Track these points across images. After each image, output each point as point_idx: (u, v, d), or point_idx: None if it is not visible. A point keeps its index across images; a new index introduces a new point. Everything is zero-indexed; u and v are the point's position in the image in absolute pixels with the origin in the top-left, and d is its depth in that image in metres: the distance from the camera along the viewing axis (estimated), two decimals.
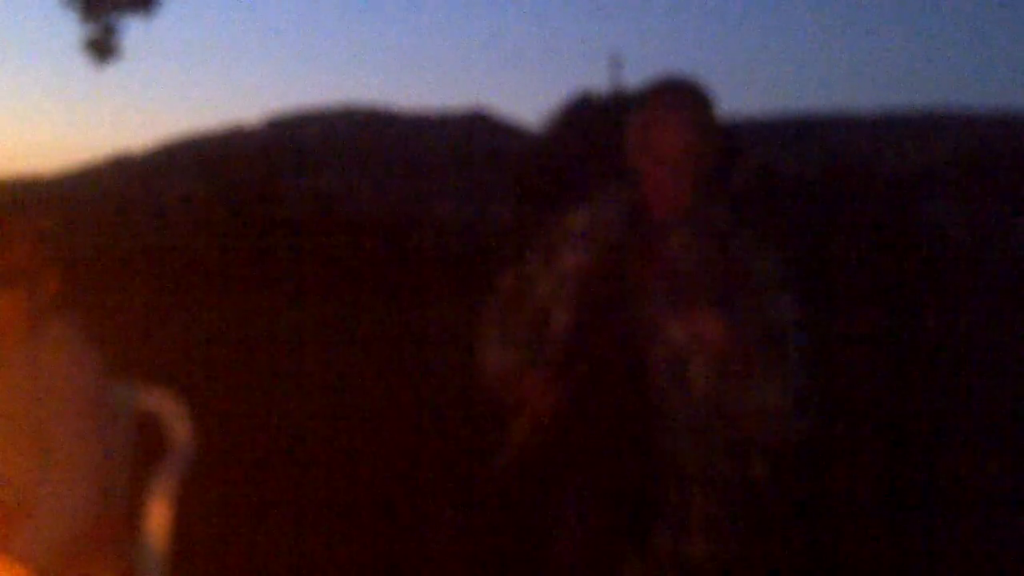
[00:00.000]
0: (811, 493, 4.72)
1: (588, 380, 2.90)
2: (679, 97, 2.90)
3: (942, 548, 4.88)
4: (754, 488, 2.90)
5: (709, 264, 2.83)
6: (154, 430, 3.08)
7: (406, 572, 4.60)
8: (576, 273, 2.95)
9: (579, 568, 2.88)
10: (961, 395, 8.01)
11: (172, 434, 3.08)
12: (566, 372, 2.92)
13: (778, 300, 2.84)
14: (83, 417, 2.72)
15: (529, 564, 2.94)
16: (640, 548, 2.83)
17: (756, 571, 2.89)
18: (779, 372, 2.75)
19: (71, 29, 10.67)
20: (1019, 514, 5.22)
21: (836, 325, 10.47)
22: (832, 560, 4.61)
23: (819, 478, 5.13)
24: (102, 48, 10.80)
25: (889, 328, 11.10)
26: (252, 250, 16.44)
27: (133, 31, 10.99)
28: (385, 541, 4.85)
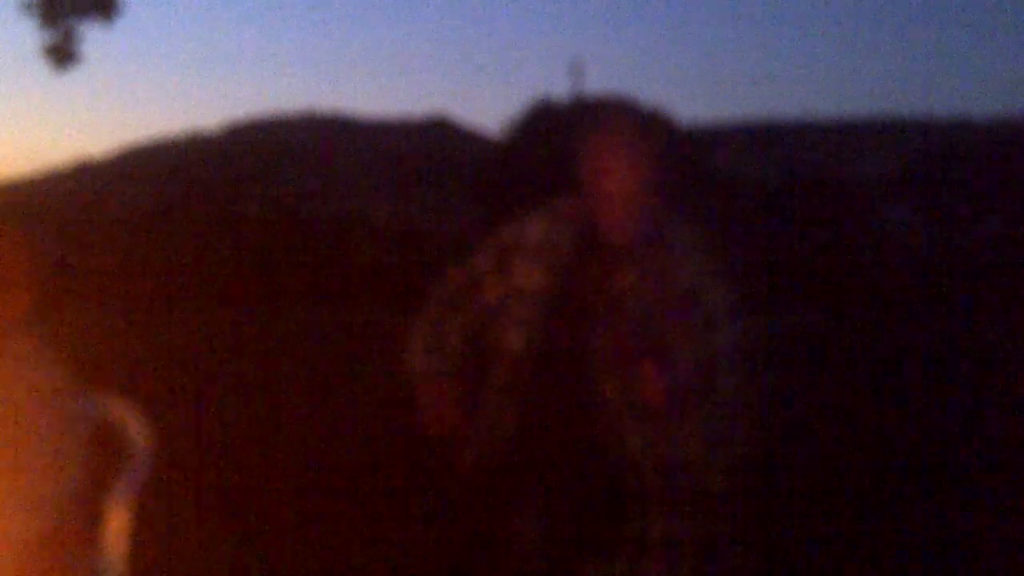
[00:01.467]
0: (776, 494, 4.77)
1: (542, 401, 2.92)
2: (626, 129, 2.89)
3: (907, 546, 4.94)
4: (710, 500, 2.92)
5: (655, 304, 2.83)
6: (113, 439, 3.09)
7: (373, 573, 4.62)
8: (531, 291, 2.95)
9: (542, 564, 2.91)
10: (920, 395, 8.09)
11: (131, 443, 3.09)
12: (520, 392, 2.95)
13: (724, 330, 2.84)
14: (46, 434, 2.74)
15: (492, 563, 2.96)
16: (602, 542, 2.86)
17: (722, 550, 2.91)
18: (704, 422, 2.79)
19: (31, 35, 10.63)
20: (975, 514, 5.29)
21: (797, 328, 10.57)
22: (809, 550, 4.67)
23: (784, 479, 5.19)
24: (62, 54, 10.74)
25: (850, 330, 11.21)
26: (213, 255, 16.40)
27: (93, 37, 10.92)
28: (345, 544, 4.86)
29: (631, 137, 2.87)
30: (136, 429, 3.08)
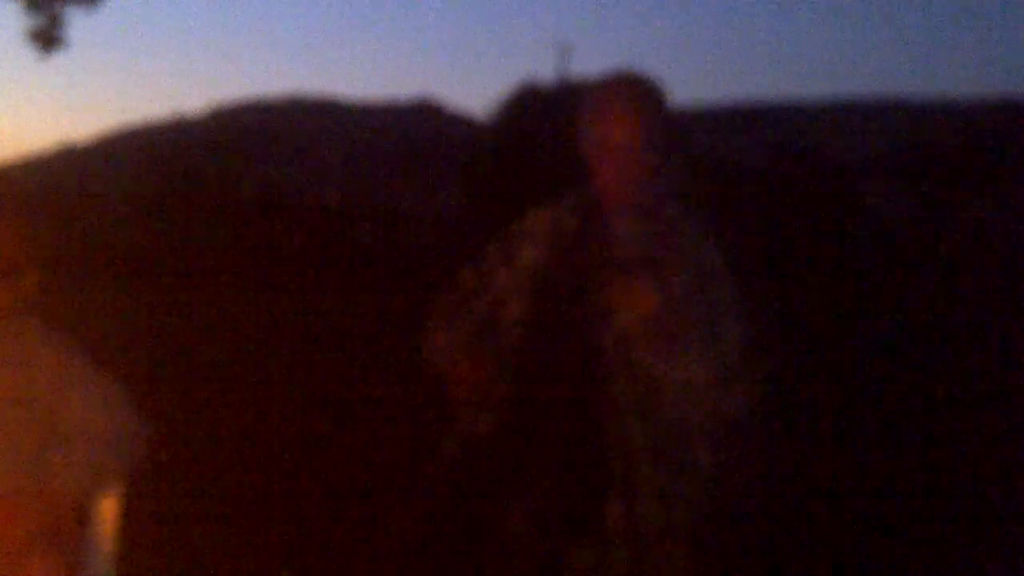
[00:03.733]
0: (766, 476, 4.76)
1: (541, 368, 2.92)
2: (628, 91, 2.90)
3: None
4: (701, 471, 2.92)
5: (652, 246, 2.85)
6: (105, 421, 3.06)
7: (360, 557, 4.60)
8: (532, 266, 2.96)
9: (530, 547, 2.90)
10: (906, 374, 8.10)
11: (123, 426, 3.06)
12: (519, 359, 2.94)
13: (717, 287, 2.86)
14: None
15: (481, 544, 2.96)
16: (590, 525, 2.85)
17: (708, 539, 2.91)
18: (708, 349, 2.79)
19: (16, 19, 10.56)
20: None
21: (785, 307, 10.57)
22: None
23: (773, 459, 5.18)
24: (47, 38, 10.70)
25: (836, 310, 11.22)
26: (199, 239, 16.35)
27: (78, 21, 10.87)
28: (336, 526, 4.85)
29: (631, 100, 2.88)
30: (128, 411, 3.05)
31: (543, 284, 2.94)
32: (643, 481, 2.87)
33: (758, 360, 2.90)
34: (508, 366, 2.96)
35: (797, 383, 7.22)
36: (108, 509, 2.88)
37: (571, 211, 3.00)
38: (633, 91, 2.91)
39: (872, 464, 5.67)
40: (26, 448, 2.78)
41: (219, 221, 17.15)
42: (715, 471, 2.93)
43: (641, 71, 3.00)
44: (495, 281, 3.06)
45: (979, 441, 6.09)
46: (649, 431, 2.87)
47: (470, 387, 2.98)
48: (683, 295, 2.81)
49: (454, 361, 3.01)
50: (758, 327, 2.98)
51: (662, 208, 2.94)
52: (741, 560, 3.04)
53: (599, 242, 2.92)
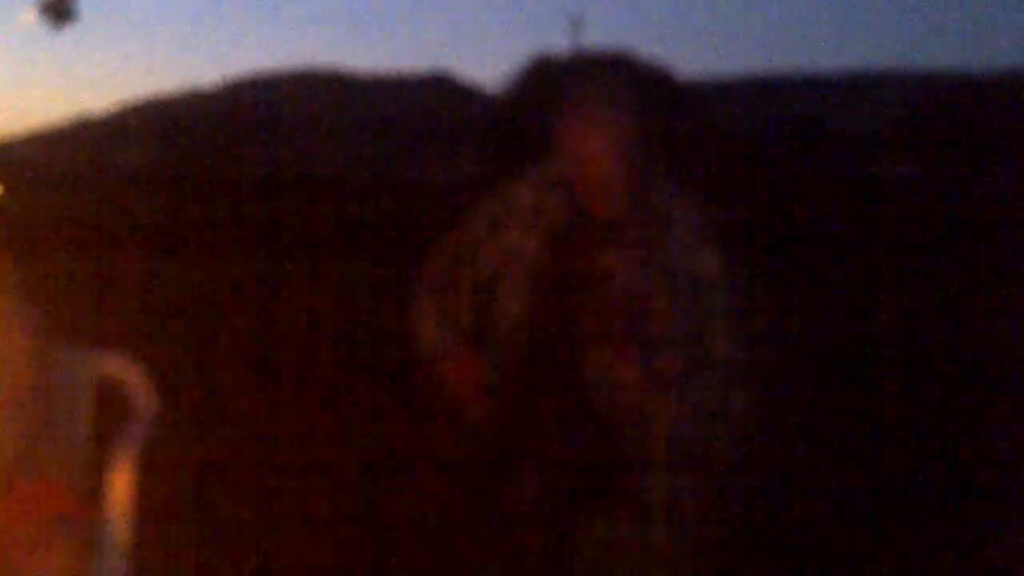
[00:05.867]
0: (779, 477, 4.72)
1: (542, 368, 2.91)
2: (596, 107, 2.81)
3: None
4: (715, 473, 2.89)
5: (641, 281, 2.78)
6: (115, 397, 3.02)
7: (370, 548, 4.58)
8: (526, 258, 2.92)
9: (540, 523, 2.90)
10: (921, 353, 8.02)
11: (134, 401, 3.02)
12: (518, 359, 2.93)
13: (716, 297, 2.79)
14: (42, 392, 2.69)
15: (489, 523, 2.95)
16: (598, 528, 2.84)
17: (715, 556, 2.90)
18: (690, 392, 2.76)
19: None
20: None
21: (798, 286, 10.50)
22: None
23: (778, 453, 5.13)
24: (59, 11, 10.66)
25: (847, 288, 11.14)
26: (211, 213, 16.34)
27: None
28: (337, 516, 4.82)
29: (601, 117, 2.80)
30: (137, 385, 3.00)
31: (540, 288, 2.92)
32: (654, 486, 2.84)
33: (750, 368, 2.87)
34: (509, 362, 2.95)
35: (800, 377, 7.14)
36: (119, 489, 2.83)
37: (559, 197, 2.94)
38: (601, 104, 2.82)
39: (889, 467, 5.60)
40: (15, 435, 2.74)
41: (233, 193, 17.16)
42: (727, 477, 2.92)
43: (609, 73, 2.97)
44: (481, 254, 3.02)
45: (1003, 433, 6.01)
46: (660, 438, 2.84)
47: (465, 381, 2.97)
48: (670, 306, 2.77)
49: (446, 362, 3.00)
50: (758, 326, 2.96)
51: (655, 219, 2.87)
52: (745, 538, 3.04)
53: (589, 249, 2.87)
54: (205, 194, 17.03)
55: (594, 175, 2.78)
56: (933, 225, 16.14)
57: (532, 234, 2.95)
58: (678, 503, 2.87)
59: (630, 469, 2.85)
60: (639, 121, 2.82)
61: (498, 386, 2.97)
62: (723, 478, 2.90)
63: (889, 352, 7.79)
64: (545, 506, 2.92)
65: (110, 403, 2.95)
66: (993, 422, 6.01)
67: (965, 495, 4.90)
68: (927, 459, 5.48)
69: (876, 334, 8.71)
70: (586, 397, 2.86)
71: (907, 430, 6.03)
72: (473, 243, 3.05)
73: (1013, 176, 22.40)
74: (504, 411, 2.97)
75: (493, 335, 3.01)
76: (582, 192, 2.85)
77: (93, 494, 2.83)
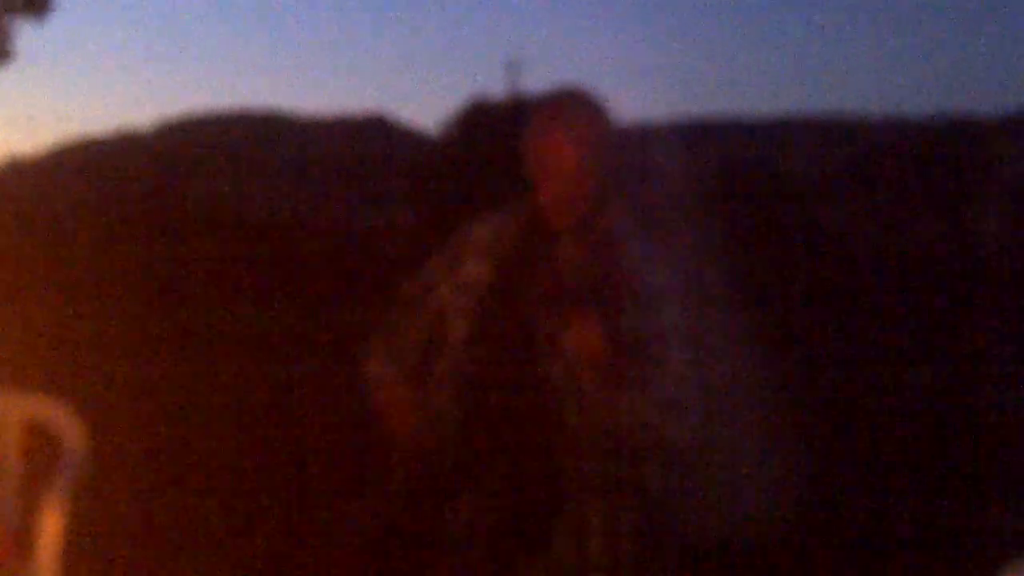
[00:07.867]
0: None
1: (486, 388, 2.92)
2: (567, 111, 2.93)
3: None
4: (649, 496, 2.92)
5: (594, 272, 2.86)
6: (43, 440, 2.97)
7: (311, 562, 4.58)
8: (474, 284, 2.97)
9: (480, 560, 2.91)
10: (858, 395, 8.11)
11: (63, 443, 2.97)
12: (464, 380, 2.95)
13: (664, 310, 2.86)
14: None
15: (431, 552, 2.96)
16: (539, 554, 2.85)
17: (655, 574, 2.92)
18: (649, 382, 2.79)
19: None
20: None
21: (739, 328, 10.56)
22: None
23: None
24: None
25: (788, 331, 11.22)
26: (144, 255, 16.20)
27: (26, 34, 10.76)
28: (279, 547, 4.80)
29: (570, 121, 2.91)
30: (66, 426, 2.96)
31: (487, 306, 2.96)
32: (591, 508, 2.87)
33: (707, 386, 2.92)
34: (453, 387, 2.98)
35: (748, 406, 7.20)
36: (49, 532, 2.79)
37: (513, 224, 3.00)
38: (572, 110, 2.92)
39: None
40: None
41: (166, 236, 17.03)
42: (662, 497, 2.95)
43: (584, 89, 3.03)
44: (437, 295, 3.07)
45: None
46: (598, 462, 2.87)
47: (408, 413, 3.00)
48: (629, 322, 2.81)
49: (391, 388, 3.04)
50: (713, 345, 2.99)
51: (610, 229, 2.94)
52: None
53: (543, 264, 2.93)
54: (138, 235, 16.91)
55: (562, 171, 2.86)
56: (877, 268, 16.36)
57: (485, 262, 3.01)
58: (616, 527, 2.90)
59: (573, 493, 2.88)
60: (605, 131, 2.92)
61: (440, 414, 2.99)
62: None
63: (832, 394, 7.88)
64: (487, 533, 2.94)
65: (38, 446, 2.91)
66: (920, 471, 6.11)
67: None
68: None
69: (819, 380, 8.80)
70: (540, 397, 2.89)
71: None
72: (428, 283, 3.11)
73: (953, 220, 22.74)
74: (446, 438, 2.98)
75: (441, 363, 3.05)
76: (546, 196, 2.92)
77: (22, 538, 2.79)
